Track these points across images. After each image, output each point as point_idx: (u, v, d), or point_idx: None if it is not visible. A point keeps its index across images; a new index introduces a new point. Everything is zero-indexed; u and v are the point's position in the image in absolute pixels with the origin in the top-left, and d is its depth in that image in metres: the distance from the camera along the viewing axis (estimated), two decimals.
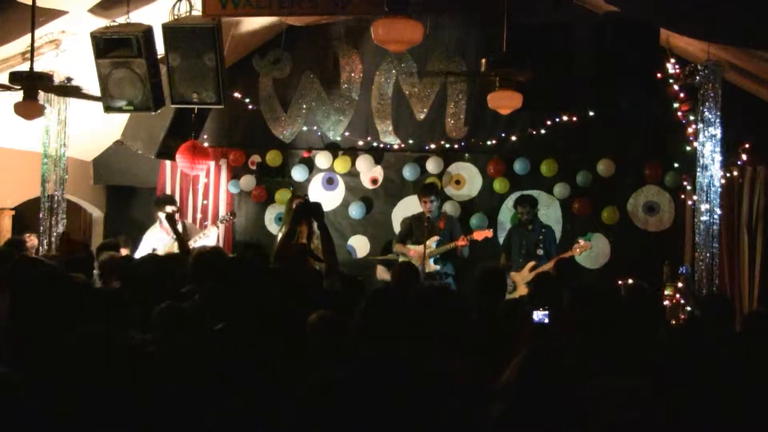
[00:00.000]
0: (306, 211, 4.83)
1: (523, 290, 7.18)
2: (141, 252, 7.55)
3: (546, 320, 4.30)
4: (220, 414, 2.87)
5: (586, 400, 2.16)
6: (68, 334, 2.70)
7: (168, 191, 9.16)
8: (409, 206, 8.65)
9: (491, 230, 7.72)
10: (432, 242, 7.47)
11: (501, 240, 8.40)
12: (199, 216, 9.07)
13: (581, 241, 7.59)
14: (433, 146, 8.67)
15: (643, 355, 3.08)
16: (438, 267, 7.45)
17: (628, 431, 2.44)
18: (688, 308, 6.71)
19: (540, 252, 7.54)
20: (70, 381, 2.54)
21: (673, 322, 6.53)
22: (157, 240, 7.64)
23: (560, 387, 2.12)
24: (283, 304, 3.58)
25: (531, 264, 7.46)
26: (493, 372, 2.93)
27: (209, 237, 7.78)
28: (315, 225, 5.17)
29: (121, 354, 2.59)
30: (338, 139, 8.85)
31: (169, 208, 7.67)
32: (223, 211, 9.08)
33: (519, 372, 2.17)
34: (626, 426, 2.44)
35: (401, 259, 7.70)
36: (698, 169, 6.85)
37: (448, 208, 8.48)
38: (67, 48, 6.82)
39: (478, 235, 7.47)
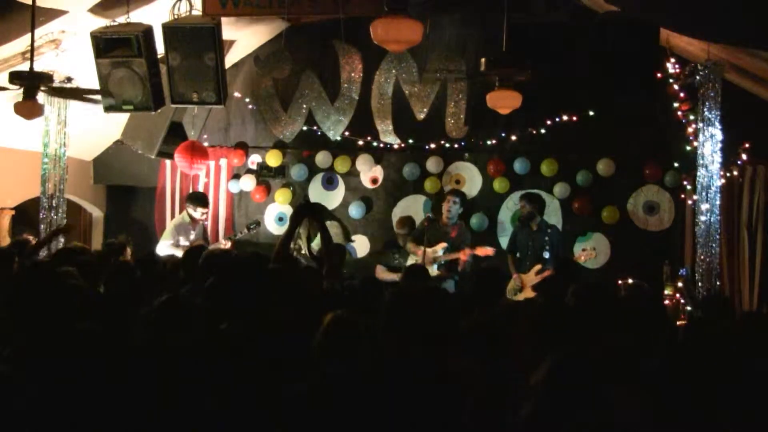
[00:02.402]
0: (306, 212, 4.83)
1: (529, 292, 7.15)
2: (164, 241, 7.62)
3: None
4: (221, 413, 2.87)
5: (612, 403, 2.16)
6: (67, 332, 2.70)
7: (168, 191, 9.17)
8: (409, 206, 8.65)
9: (494, 249, 7.58)
10: (440, 248, 7.45)
11: (500, 239, 8.40)
12: (184, 212, 9.03)
13: (587, 249, 7.51)
14: (433, 146, 8.67)
15: (645, 356, 3.08)
16: (436, 269, 7.40)
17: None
18: (689, 308, 6.71)
19: (546, 254, 7.49)
20: (70, 378, 2.54)
21: (674, 322, 6.53)
22: (182, 231, 7.70)
23: (588, 389, 2.13)
24: (282, 304, 3.58)
25: (537, 267, 7.41)
26: (490, 372, 2.94)
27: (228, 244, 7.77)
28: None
29: (120, 351, 2.59)
30: (338, 139, 8.84)
31: (199, 210, 7.74)
32: (223, 211, 9.08)
33: (548, 374, 2.17)
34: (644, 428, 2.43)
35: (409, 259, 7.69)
36: (698, 169, 6.85)
37: None
38: (67, 48, 6.82)
39: (481, 251, 7.40)
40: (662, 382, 2.69)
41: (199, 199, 7.89)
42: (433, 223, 7.54)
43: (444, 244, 7.45)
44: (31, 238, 7.19)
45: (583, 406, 2.11)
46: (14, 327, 3.18)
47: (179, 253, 6.89)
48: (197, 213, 7.78)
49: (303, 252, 7.27)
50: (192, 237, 7.68)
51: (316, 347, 2.90)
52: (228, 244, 7.68)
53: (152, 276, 4.84)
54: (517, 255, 7.68)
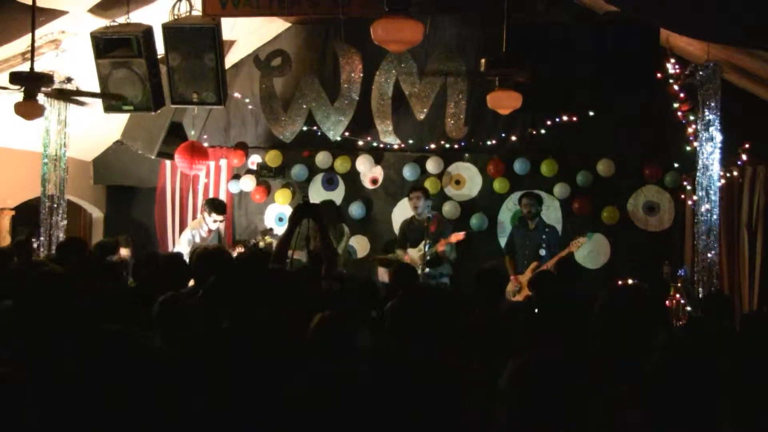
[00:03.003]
0: (305, 213, 4.83)
1: (527, 292, 7.16)
2: (180, 249, 7.49)
3: None
4: (221, 413, 2.87)
5: (587, 405, 2.15)
6: (67, 332, 2.70)
7: (168, 191, 9.16)
8: (409, 206, 8.64)
9: (464, 233, 7.53)
10: (422, 245, 7.44)
11: (500, 239, 8.41)
12: (199, 216, 9.05)
13: (578, 238, 7.53)
14: (433, 146, 8.67)
15: (645, 356, 3.08)
16: (428, 269, 7.38)
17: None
18: (688, 308, 6.71)
19: (543, 252, 7.50)
20: (69, 378, 2.54)
21: (674, 321, 6.53)
22: (198, 236, 7.54)
23: (558, 391, 2.11)
24: (281, 304, 3.58)
25: (534, 265, 7.43)
26: (491, 372, 2.94)
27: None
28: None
29: (141, 353, 2.60)
30: (338, 139, 8.85)
31: (214, 216, 7.52)
32: None
33: (515, 376, 2.16)
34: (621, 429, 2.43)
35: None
36: (698, 169, 6.85)
37: (448, 208, 8.48)
38: (67, 48, 6.82)
39: (455, 238, 7.41)
40: (662, 382, 2.69)
41: (216, 206, 7.60)
42: (410, 224, 7.58)
43: (426, 240, 7.42)
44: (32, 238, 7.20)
45: (555, 409, 2.09)
46: (15, 328, 3.18)
47: None
48: (210, 220, 7.54)
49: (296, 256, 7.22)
50: (206, 238, 7.59)
51: (307, 348, 2.92)
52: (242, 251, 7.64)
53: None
54: (516, 256, 7.70)
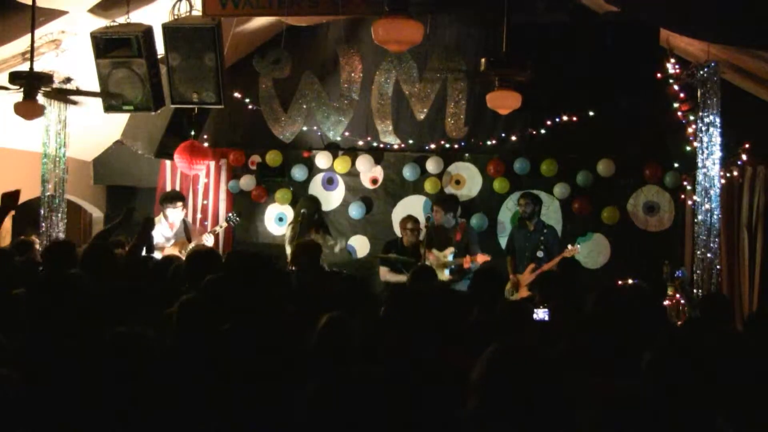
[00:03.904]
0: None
1: (525, 292, 7.17)
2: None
3: (546, 317, 4.31)
4: (221, 413, 2.87)
5: (560, 399, 2.14)
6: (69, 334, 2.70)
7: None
8: (409, 206, 8.64)
9: (489, 256, 7.42)
10: (448, 253, 7.41)
11: (500, 239, 8.41)
12: (199, 216, 9.06)
13: (569, 246, 7.50)
14: (433, 146, 8.67)
15: (643, 355, 3.08)
16: (448, 274, 7.37)
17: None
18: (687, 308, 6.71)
19: (540, 254, 7.50)
20: (68, 379, 2.54)
21: (674, 321, 6.52)
22: (159, 235, 7.50)
23: (529, 384, 2.11)
24: (286, 304, 3.58)
25: (531, 266, 7.43)
26: None
27: (210, 239, 7.67)
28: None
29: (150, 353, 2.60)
30: (338, 139, 8.85)
31: (179, 205, 7.54)
32: (223, 211, 9.07)
33: (486, 368, 2.15)
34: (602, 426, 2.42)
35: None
36: (698, 169, 6.85)
37: None
38: (67, 48, 6.82)
39: (480, 259, 7.32)
40: (660, 381, 2.69)
41: (174, 196, 7.63)
42: (436, 226, 7.52)
43: (452, 249, 7.41)
44: (34, 238, 7.19)
45: (526, 402, 2.08)
46: (16, 328, 3.18)
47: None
48: (177, 211, 7.50)
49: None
50: (170, 235, 7.52)
51: (311, 348, 2.91)
52: (210, 240, 7.60)
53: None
54: (515, 256, 7.71)
